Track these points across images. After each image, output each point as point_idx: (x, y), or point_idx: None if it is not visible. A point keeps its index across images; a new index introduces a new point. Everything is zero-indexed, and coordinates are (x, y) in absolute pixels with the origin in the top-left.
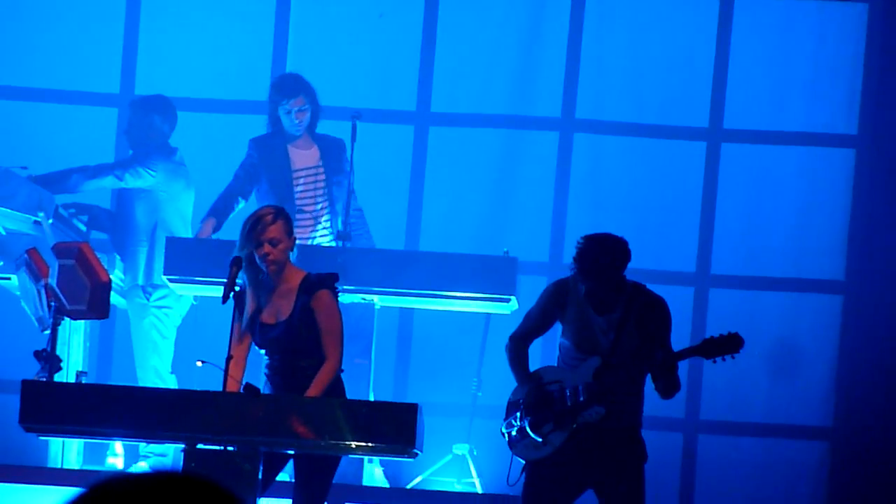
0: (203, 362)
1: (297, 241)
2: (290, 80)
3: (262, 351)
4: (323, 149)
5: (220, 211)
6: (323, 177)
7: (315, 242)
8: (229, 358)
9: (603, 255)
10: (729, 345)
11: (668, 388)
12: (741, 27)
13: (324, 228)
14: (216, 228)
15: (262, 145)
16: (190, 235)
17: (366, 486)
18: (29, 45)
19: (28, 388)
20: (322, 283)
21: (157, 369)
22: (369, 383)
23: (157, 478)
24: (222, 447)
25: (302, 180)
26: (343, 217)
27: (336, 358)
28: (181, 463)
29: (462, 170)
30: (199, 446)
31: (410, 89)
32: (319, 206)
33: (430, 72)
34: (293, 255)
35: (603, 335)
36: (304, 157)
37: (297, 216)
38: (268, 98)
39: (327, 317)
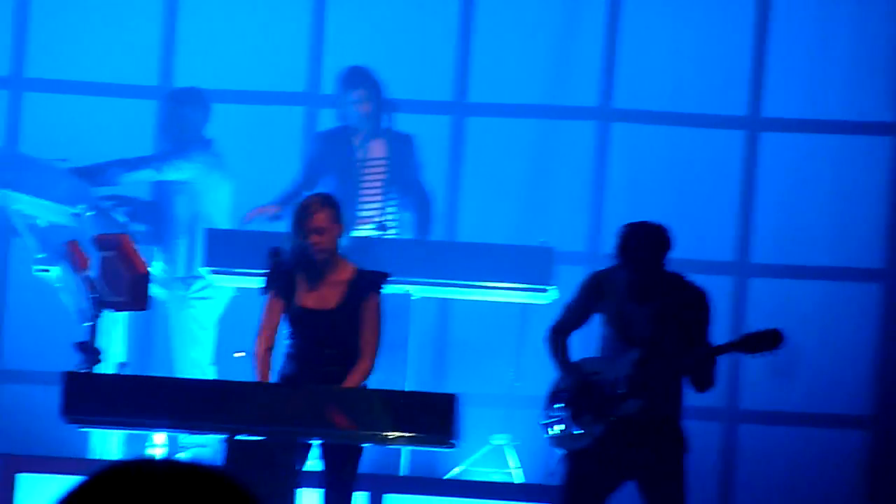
0: (243, 353)
1: (360, 233)
2: (352, 72)
3: (288, 331)
4: (390, 142)
5: (286, 200)
6: (387, 169)
7: (378, 234)
8: (268, 349)
9: (645, 242)
10: (769, 341)
11: (704, 383)
12: (779, 15)
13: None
14: (276, 217)
15: (327, 139)
16: (228, 227)
17: (405, 477)
18: (68, 38)
19: (69, 379)
20: (376, 284)
21: (196, 361)
22: (405, 374)
23: (161, 467)
24: (261, 437)
25: (367, 172)
26: (383, 208)
27: (372, 359)
28: (221, 454)
29: (499, 160)
30: (238, 437)
31: (447, 79)
32: (384, 198)
33: (467, 62)
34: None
35: (643, 326)
36: (370, 150)
37: (362, 208)
38: (335, 91)
39: (373, 318)
